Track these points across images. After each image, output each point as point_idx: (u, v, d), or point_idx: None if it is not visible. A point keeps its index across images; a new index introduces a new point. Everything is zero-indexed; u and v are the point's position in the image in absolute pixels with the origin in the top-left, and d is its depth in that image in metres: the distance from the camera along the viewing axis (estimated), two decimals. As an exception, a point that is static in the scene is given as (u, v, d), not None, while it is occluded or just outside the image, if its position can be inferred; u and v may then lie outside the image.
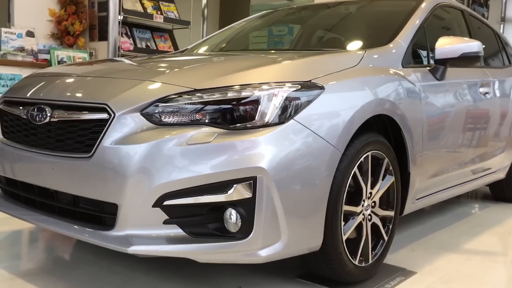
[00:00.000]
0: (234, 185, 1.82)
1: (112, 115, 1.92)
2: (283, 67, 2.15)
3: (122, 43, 5.63)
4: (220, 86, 1.94)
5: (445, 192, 3.26)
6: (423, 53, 3.06)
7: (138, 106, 1.92)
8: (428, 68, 2.92)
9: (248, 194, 1.83)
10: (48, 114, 2.12)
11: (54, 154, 2.09)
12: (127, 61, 2.80)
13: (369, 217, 2.38)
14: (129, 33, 5.93)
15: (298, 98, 1.99)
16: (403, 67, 2.70)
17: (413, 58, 2.88)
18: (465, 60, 2.90)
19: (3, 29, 4.89)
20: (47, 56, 5.20)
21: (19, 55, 4.94)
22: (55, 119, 2.10)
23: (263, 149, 1.85)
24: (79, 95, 2.10)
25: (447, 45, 2.88)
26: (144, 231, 1.88)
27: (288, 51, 3.13)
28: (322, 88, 2.08)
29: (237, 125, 1.89)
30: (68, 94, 2.14)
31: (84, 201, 2.05)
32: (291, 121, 1.94)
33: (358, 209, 2.29)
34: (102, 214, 1.99)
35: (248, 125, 1.89)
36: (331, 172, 2.06)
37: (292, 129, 1.93)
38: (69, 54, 5.22)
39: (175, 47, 6.36)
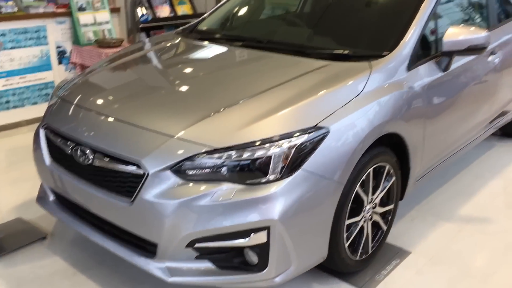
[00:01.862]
0: (252, 234, 2.21)
1: (146, 173, 2.26)
2: (291, 115, 2.35)
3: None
4: (236, 145, 2.23)
5: (451, 158, 3.54)
6: (431, 38, 3.13)
7: (168, 165, 2.24)
8: (435, 60, 3.04)
9: (263, 240, 2.22)
10: (90, 157, 2.46)
11: (99, 191, 2.47)
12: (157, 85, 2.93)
13: (370, 217, 2.76)
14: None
15: (305, 147, 2.26)
16: (408, 70, 2.84)
17: (420, 47, 2.96)
18: (472, 51, 3.02)
19: (22, -20, 4.98)
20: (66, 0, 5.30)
21: (41, 5, 5.06)
22: (98, 164, 2.44)
23: (275, 203, 2.19)
24: (116, 146, 2.39)
25: (455, 37, 2.97)
26: (179, 264, 2.33)
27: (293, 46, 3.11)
28: (327, 131, 2.33)
29: (253, 181, 2.21)
30: (107, 142, 2.44)
31: (129, 232, 2.47)
32: (299, 171, 2.24)
33: (359, 217, 2.66)
34: (145, 245, 2.42)
35: (262, 181, 2.21)
36: (334, 201, 2.41)
37: (300, 178, 2.24)
38: (87, -1, 5.32)
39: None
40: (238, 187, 2.21)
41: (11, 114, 5.05)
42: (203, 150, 2.23)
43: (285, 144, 2.23)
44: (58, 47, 5.29)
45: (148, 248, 2.42)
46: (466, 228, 3.30)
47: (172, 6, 6.29)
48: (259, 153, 2.22)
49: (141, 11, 5.89)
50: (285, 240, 2.25)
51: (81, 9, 5.29)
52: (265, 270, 2.27)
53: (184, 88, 2.75)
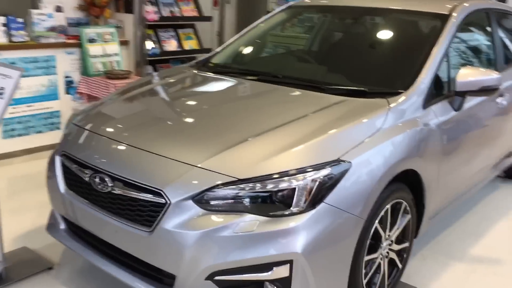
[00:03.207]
0: (274, 267, 2.18)
1: (169, 202, 2.23)
2: (313, 148, 2.36)
3: (147, 14, 5.72)
4: (260, 176, 2.22)
5: (461, 197, 3.56)
6: (444, 77, 3.17)
7: (190, 195, 2.22)
8: (447, 100, 3.09)
9: (285, 274, 2.18)
10: (110, 185, 2.44)
11: (116, 219, 2.43)
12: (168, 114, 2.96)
13: (386, 254, 2.73)
14: (153, 0, 6.00)
15: (328, 180, 2.26)
16: (423, 108, 2.88)
17: (434, 86, 3.01)
18: (484, 91, 3.07)
19: (34, 11, 5.03)
20: (76, 31, 5.35)
21: (51, 36, 5.10)
22: (116, 192, 2.42)
23: (298, 236, 2.17)
24: (138, 174, 2.37)
25: (468, 78, 3.03)
26: (198, 298, 2.28)
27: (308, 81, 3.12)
28: (350, 165, 2.34)
29: (276, 213, 2.19)
30: (128, 170, 2.41)
31: (145, 263, 2.42)
32: (322, 204, 2.23)
33: (376, 254, 2.63)
34: (161, 277, 2.38)
35: (285, 213, 2.19)
36: (355, 236, 2.38)
37: (323, 212, 2.23)
38: (97, 31, 5.36)
39: (199, 10, 6.44)
40: (261, 219, 2.19)
41: (15, 142, 5.01)
42: (226, 181, 2.22)
43: (309, 176, 2.23)
44: (66, 76, 5.31)
45: (164, 280, 2.38)
46: (479, 269, 3.28)
47: (179, 41, 6.38)
48: (283, 185, 2.21)
49: (149, 44, 5.96)
50: (307, 275, 2.21)
51: (92, 40, 5.34)
52: (286, 306, 2.23)
53: (203, 119, 2.76)
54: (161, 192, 2.26)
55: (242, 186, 2.21)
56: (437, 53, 3.07)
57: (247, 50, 4.00)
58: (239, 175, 2.23)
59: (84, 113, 3.06)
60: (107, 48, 5.48)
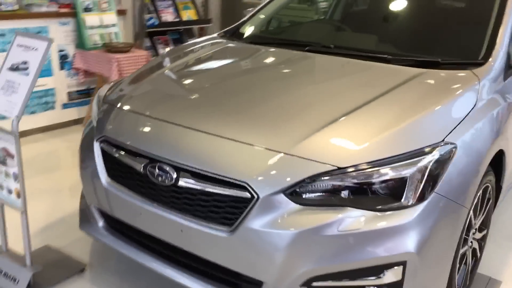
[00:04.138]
0: (385, 271, 1.86)
1: (256, 197, 1.87)
2: (413, 129, 2.04)
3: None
4: (364, 163, 1.88)
5: None
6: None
7: (282, 187, 1.87)
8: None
9: (397, 278, 1.87)
10: (173, 177, 2.05)
11: (182, 217, 2.06)
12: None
13: (471, 244, 2.46)
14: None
15: (437, 166, 1.94)
16: (504, 80, 2.59)
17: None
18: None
19: (23, -23, 4.48)
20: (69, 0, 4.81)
21: (43, 3, 4.56)
22: (184, 185, 2.03)
23: (412, 233, 1.86)
24: (213, 164, 1.99)
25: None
26: (290, 306, 1.94)
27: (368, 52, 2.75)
28: (455, 147, 2.02)
29: (384, 207, 1.86)
30: (199, 160, 2.03)
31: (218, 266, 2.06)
32: (433, 194, 1.92)
33: (467, 246, 2.36)
34: (240, 282, 2.03)
35: (395, 207, 1.87)
36: (460, 230, 2.09)
37: (433, 203, 1.92)
38: (93, -2, 4.84)
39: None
40: (366, 214, 1.85)
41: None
42: (324, 170, 1.87)
43: (419, 163, 1.90)
44: (60, 50, 4.78)
45: (244, 286, 2.03)
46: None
47: (177, 11, 5.88)
48: (392, 174, 1.87)
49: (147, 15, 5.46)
50: (419, 277, 1.91)
51: (87, 9, 4.81)
52: (393, 313, 1.92)
53: (273, 96, 2.37)
54: (245, 185, 1.89)
55: (342, 176, 1.87)
56: (509, 19, 2.76)
57: (281, 17, 3.61)
58: (339, 162, 1.89)
59: (119, 90, 2.63)
60: (104, 18, 4.95)
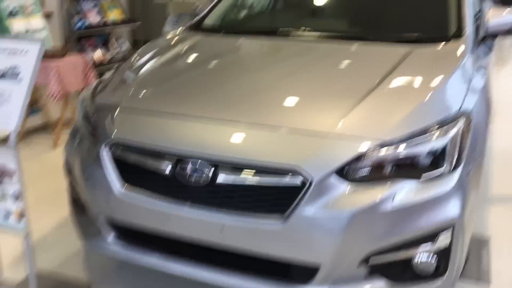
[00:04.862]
0: (438, 236, 1.92)
1: (310, 180, 1.84)
2: (434, 99, 2.13)
3: None
4: (406, 134, 1.92)
5: None
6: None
7: (334, 168, 1.86)
8: (482, 41, 3.01)
9: (447, 241, 1.94)
10: (210, 174, 1.95)
11: (222, 214, 1.97)
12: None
13: None
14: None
15: (463, 134, 2.03)
16: (472, 53, 2.76)
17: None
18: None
19: None
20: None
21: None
22: (223, 181, 1.95)
23: (456, 197, 1.93)
24: (256, 153, 1.92)
25: (498, 19, 2.97)
26: (346, 286, 1.95)
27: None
28: (471, 114, 2.13)
29: (429, 174, 1.92)
30: (238, 151, 1.95)
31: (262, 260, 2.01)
32: (463, 159, 2.01)
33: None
34: (290, 271, 1.99)
35: (438, 174, 1.93)
36: (481, 187, 2.23)
37: (465, 168, 2.00)
38: (19, 1, 4.43)
39: None
40: (414, 184, 1.90)
41: None
42: (372, 145, 1.89)
43: (450, 131, 1.98)
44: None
45: (295, 275, 2.00)
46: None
47: (102, 11, 5.59)
48: (433, 143, 1.94)
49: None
50: (463, 240, 2.00)
51: (13, 14, 4.41)
52: (444, 277, 1.99)
53: (287, 83, 2.34)
54: (297, 170, 1.85)
55: (388, 148, 1.90)
56: None
57: (245, 6, 3.57)
58: (384, 136, 1.91)
59: (114, 90, 2.45)
60: (32, 22, 4.57)
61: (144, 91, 2.41)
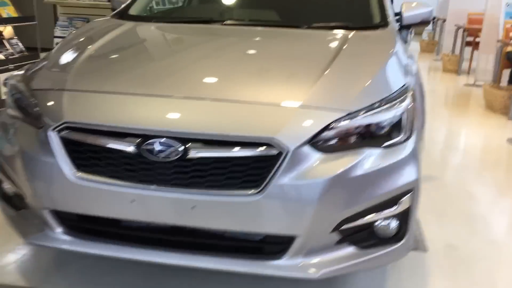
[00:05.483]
0: (400, 200, 2.03)
1: (285, 151, 1.86)
2: (385, 78, 2.29)
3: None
4: (369, 105, 2.02)
5: None
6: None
7: (307, 138, 1.90)
8: (399, 32, 3.27)
9: (407, 205, 2.06)
10: (179, 149, 1.89)
11: (193, 192, 1.91)
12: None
13: None
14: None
15: (411, 105, 2.19)
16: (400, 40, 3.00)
17: None
18: (423, 23, 3.35)
19: None
20: None
21: None
22: (194, 156, 1.89)
23: (414, 162, 2.07)
24: (230, 128, 1.89)
25: (412, 11, 3.25)
26: (321, 256, 1.99)
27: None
28: (413, 88, 2.30)
29: (390, 143, 2.03)
30: (212, 126, 1.91)
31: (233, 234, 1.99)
32: (415, 128, 2.16)
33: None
34: (263, 245, 1.99)
35: (397, 142, 2.05)
36: None
37: (416, 135, 2.15)
38: None
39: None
40: (379, 152, 2.01)
41: None
42: (339, 116, 1.96)
43: (404, 102, 2.12)
44: None
45: (267, 249, 2.00)
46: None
47: (-6, 7, 5.15)
48: (391, 113, 2.05)
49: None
50: (417, 202, 2.14)
51: None
52: (404, 240, 2.10)
53: (243, 63, 2.36)
54: (272, 141, 1.86)
55: (354, 119, 1.98)
56: None
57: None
58: (348, 107, 2.00)
59: (56, 73, 2.29)
60: None
61: (88, 73, 2.27)
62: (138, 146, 1.92)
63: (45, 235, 2.14)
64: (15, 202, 2.27)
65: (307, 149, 1.90)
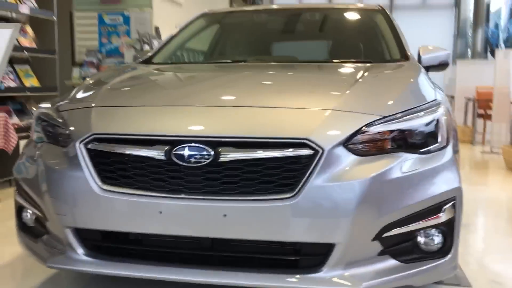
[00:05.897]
0: (444, 207, 1.92)
1: (320, 151, 1.79)
2: (414, 90, 2.27)
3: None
4: (404, 111, 1.98)
5: None
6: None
7: (342, 139, 1.84)
8: None
9: (450, 215, 1.94)
10: (211, 153, 1.83)
11: (224, 199, 1.82)
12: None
13: None
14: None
15: (445, 116, 2.13)
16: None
17: None
18: (442, 66, 3.38)
19: None
20: None
21: None
22: (226, 159, 1.82)
23: (453, 170, 1.98)
24: (263, 130, 1.85)
25: (430, 53, 3.30)
26: (361, 268, 1.85)
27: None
28: (445, 103, 2.26)
29: (427, 149, 1.96)
30: (243, 129, 1.87)
31: (268, 246, 1.87)
32: (451, 138, 2.09)
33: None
34: (298, 257, 1.86)
35: (434, 148, 1.98)
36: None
37: (453, 143, 2.08)
38: None
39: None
40: (417, 157, 1.93)
41: None
42: (373, 119, 1.91)
43: (437, 112, 2.06)
44: None
45: (303, 263, 1.86)
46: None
47: (18, 78, 5.31)
48: (425, 120, 2.00)
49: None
50: (461, 214, 2.02)
51: None
52: (450, 255, 1.96)
53: (279, 83, 2.44)
54: (307, 141, 1.80)
55: (388, 123, 1.93)
56: (401, 31, 3.30)
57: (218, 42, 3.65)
58: (381, 112, 1.95)
59: (83, 98, 2.30)
60: None
61: (115, 94, 2.30)
62: (167, 152, 1.86)
63: (66, 257, 2.02)
64: (35, 231, 2.19)
65: (342, 150, 1.84)
